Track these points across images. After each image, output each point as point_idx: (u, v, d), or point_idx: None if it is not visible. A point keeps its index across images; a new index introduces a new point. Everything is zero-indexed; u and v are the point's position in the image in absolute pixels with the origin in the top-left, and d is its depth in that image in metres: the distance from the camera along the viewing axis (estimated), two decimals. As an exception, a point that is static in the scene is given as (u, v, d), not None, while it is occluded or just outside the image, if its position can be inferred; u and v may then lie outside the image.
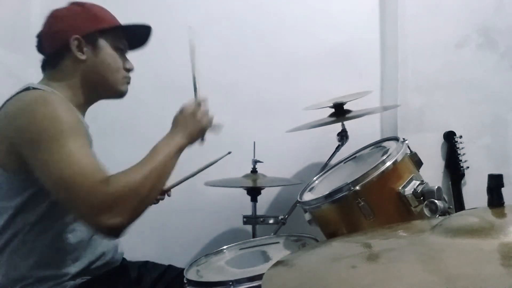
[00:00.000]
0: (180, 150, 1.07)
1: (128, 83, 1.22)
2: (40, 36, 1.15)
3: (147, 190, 0.96)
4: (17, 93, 1.03)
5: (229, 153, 1.49)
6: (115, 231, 0.93)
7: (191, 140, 1.11)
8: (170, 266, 1.37)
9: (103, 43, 1.14)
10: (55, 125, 0.94)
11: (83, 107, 1.17)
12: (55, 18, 1.13)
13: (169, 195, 1.48)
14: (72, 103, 1.10)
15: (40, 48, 1.15)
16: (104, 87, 1.17)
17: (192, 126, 1.11)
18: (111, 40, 1.16)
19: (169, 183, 1.48)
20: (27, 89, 1.04)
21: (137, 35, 1.24)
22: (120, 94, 1.20)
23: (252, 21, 1.98)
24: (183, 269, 1.34)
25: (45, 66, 1.16)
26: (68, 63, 1.12)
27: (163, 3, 1.94)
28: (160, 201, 1.51)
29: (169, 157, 1.04)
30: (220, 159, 1.48)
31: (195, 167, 1.48)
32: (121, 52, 1.19)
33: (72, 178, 0.89)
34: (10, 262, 1.02)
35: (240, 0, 1.99)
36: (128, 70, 1.21)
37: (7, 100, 1.02)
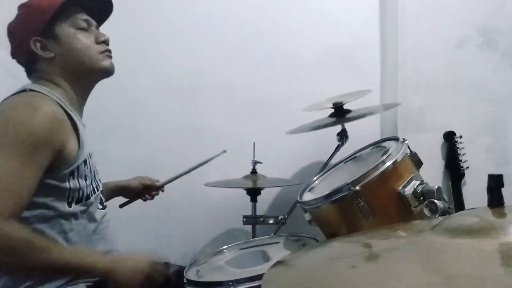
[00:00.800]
0: (95, 275, 1.00)
1: (110, 56, 1.16)
2: (11, 53, 1.14)
3: (21, 262, 0.89)
4: (14, 93, 1.04)
5: (224, 151, 1.48)
6: None
7: (111, 280, 0.99)
8: (166, 263, 1.38)
9: (60, 30, 1.10)
10: (15, 134, 0.93)
11: (80, 101, 1.16)
12: (11, 33, 1.13)
13: (162, 191, 1.49)
14: (69, 101, 1.09)
15: (17, 61, 1.16)
16: (85, 70, 1.13)
17: (126, 279, 0.98)
18: (68, 22, 1.11)
19: (164, 179, 1.49)
20: (24, 90, 1.04)
21: (92, 4, 1.17)
22: (104, 71, 1.15)
23: (252, 21, 1.98)
24: (179, 266, 1.34)
25: (28, 73, 1.15)
26: (43, 64, 1.11)
27: (163, 3, 1.94)
28: (161, 201, 1.51)
29: (80, 270, 0.97)
30: (215, 157, 1.47)
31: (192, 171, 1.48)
32: (85, 29, 1.13)
33: None
34: None
35: (240, 0, 1.99)
36: (103, 42, 1.15)
37: (4, 99, 1.03)
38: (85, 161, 1.08)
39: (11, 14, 1.13)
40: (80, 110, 1.17)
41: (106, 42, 1.16)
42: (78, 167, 1.05)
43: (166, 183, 1.48)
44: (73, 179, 1.04)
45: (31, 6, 1.11)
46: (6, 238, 0.86)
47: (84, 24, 1.13)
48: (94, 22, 1.17)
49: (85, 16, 1.15)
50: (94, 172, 1.15)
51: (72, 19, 1.11)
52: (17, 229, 0.88)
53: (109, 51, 1.16)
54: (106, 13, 1.23)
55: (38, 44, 1.09)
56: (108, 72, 1.16)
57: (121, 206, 1.45)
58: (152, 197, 1.48)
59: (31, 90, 1.04)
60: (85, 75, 1.14)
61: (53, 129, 0.98)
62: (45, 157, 0.96)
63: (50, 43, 1.09)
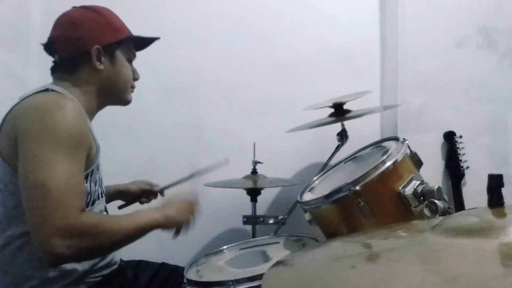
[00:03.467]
0: (155, 227, 1.05)
1: (132, 91, 1.24)
2: (52, 38, 1.13)
3: (109, 243, 0.97)
4: (36, 92, 1.04)
5: (227, 160, 1.48)
6: (56, 260, 0.92)
7: (168, 226, 1.08)
8: (163, 263, 1.38)
9: (119, 54, 1.17)
10: (59, 133, 0.94)
11: (93, 112, 1.19)
12: (72, 24, 1.12)
13: (162, 195, 1.49)
14: (85, 109, 1.11)
15: (50, 50, 1.14)
16: (116, 96, 1.20)
17: (177, 217, 1.10)
18: (125, 51, 1.19)
19: (164, 179, 1.49)
20: (46, 90, 1.05)
21: (143, 44, 1.27)
22: (126, 102, 1.24)
23: (252, 21, 1.98)
24: (176, 266, 1.34)
25: (55, 69, 1.15)
26: (86, 71, 1.13)
27: (163, 4, 1.94)
28: (161, 201, 1.51)
29: (146, 228, 1.02)
30: (216, 166, 1.46)
31: (192, 168, 1.48)
32: (131, 62, 1.22)
33: (53, 190, 0.88)
34: (15, 262, 1.02)
35: (240, 0, 1.99)
36: (136, 79, 1.24)
37: (25, 97, 1.03)
38: (98, 166, 1.10)
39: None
40: (91, 119, 1.18)
41: (137, 79, 1.25)
42: (93, 170, 1.07)
43: (165, 188, 1.48)
44: (86, 182, 1.05)
45: (110, 19, 1.16)
46: (87, 226, 0.92)
47: (133, 58, 1.23)
48: (134, 58, 1.25)
49: (135, 51, 1.24)
50: (101, 178, 1.17)
51: (129, 49, 1.20)
52: (89, 217, 0.96)
53: (134, 86, 1.25)
54: (140, 49, 1.30)
55: (97, 52, 1.12)
56: (127, 104, 1.25)
57: (120, 207, 1.45)
58: (149, 201, 1.49)
59: (53, 90, 1.05)
60: (113, 98, 1.20)
61: (84, 128, 1.02)
62: (83, 156, 1.00)
63: (106, 58, 1.14)
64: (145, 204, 1.49)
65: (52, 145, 0.93)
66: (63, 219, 0.88)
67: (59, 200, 0.89)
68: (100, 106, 1.20)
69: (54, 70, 1.15)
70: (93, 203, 1.09)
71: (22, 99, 1.03)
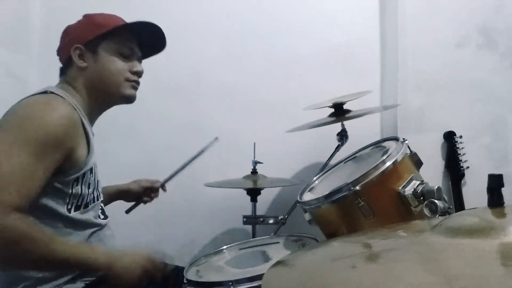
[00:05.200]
0: (95, 269, 0.98)
1: (135, 87, 1.22)
2: (57, 50, 1.20)
3: (27, 259, 0.89)
4: (35, 94, 1.05)
5: (216, 139, 1.48)
6: None
7: (112, 276, 0.99)
8: (163, 263, 1.38)
9: (103, 49, 1.16)
10: (32, 129, 0.94)
11: (94, 113, 1.19)
12: (65, 32, 1.19)
13: (164, 190, 1.50)
14: (84, 109, 1.13)
15: (59, 59, 1.21)
16: (107, 92, 1.18)
17: (123, 272, 0.99)
18: (114, 45, 1.17)
19: (161, 178, 1.49)
20: (45, 92, 1.06)
21: (147, 38, 1.24)
22: (125, 98, 1.20)
23: (252, 21, 1.98)
24: (176, 266, 1.34)
25: (60, 74, 1.20)
26: (73, 71, 1.16)
27: (163, 3, 1.94)
28: (161, 201, 1.51)
29: (82, 264, 0.96)
30: (208, 147, 1.47)
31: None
32: (126, 56, 1.19)
33: None
34: None
35: (240, 0, 1.99)
36: (135, 73, 1.20)
37: (24, 98, 1.04)
38: (91, 169, 1.10)
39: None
40: (92, 121, 1.19)
41: (138, 74, 1.21)
42: (84, 174, 1.06)
43: (165, 182, 1.49)
44: (77, 185, 1.05)
45: (90, 18, 1.18)
46: (8, 230, 0.85)
47: (127, 52, 1.19)
48: (138, 53, 1.23)
49: (132, 45, 1.21)
50: (97, 181, 1.16)
51: (118, 43, 1.18)
52: (20, 221, 0.87)
53: (137, 82, 1.22)
54: (156, 49, 1.30)
55: (77, 52, 1.14)
56: (127, 99, 1.21)
57: (128, 211, 1.46)
58: (152, 199, 1.49)
59: (51, 92, 1.06)
60: (105, 95, 1.19)
61: (66, 130, 1.00)
62: (56, 157, 0.97)
63: (88, 55, 1.15)
64: (147, 203, 1.49)
65: (18, 137, 0.93)
66: None
67: None
68: (99, 104, 1.19)
69: (60, 73, 1.20)
70: (86, 206, 1.09)
71: (22, 100, 1.04)
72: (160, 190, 1.50)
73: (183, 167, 1.46)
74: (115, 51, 1.17)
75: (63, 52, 1.18)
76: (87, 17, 1.19)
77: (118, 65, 1.17)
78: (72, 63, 1.15)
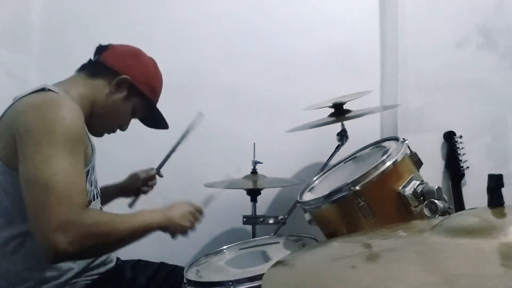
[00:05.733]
0: (156, 228, 1.06)
1: (108, 133, 1.26)
2: (112, 46, 1.21)
3: (111, 241, 0.97)
4: (32, 92, 1.04)
5: (200, 113, 1.49)
6: (57, 256, 0.91)
7: (169, 228, 1.10)
8: (162, 263, 1.39)
9: (134, 100, 1.20)
10: (59, 131, 0.94)
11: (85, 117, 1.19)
12: (136, 55, 1.23)
13: (161, 176, 1.52)
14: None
15: (101, 52, 1.20)
16: (95, 120, 1.17)
17: (180, 220, 1.11)
18: (139, 104, 1.22)
19: (164, 183, 1.49)
20: (42, 89, 1.05)
21: (154, 121, 1.33)
22: (95, 133, 1.22)
23: (252, 21, 1.98)
24: (175, 266, 1.35)
25: (86, 67, 1.19)
26: (101, 84, 1.16)
27: (164, 3, 1.94)
28: (161, 201, 1.51)
29: (148, 228, 1.04)
30: (193, 124, 1.48)
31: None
32: (133, 116, 1.26)
33: (55, 185, 0.89)
34: (11, 264, 1.02)
35: (240, 0, 1.99)
36: (121, 128, 1.27)
37: (20, 98, 1.03)
38: (94, 167, 1.11)
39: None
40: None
41: (121, 129, 1.28)
42: (88, 171, 1.07)
43: (160, 168, 1.50)
44: None
45: (155, 77, 1.26)
46: (91, 223, 0.92)
47: (137, 115, 1.28)
48: (137, 118, 1.30)
49: (142, 114, 1.29)
50: (96, 179, 1.17)
51: (142, 108, 1.25)
52: (94, 213, 0.98)
53: (114, 131, 1.27)
54: (153, 127, 1.38)
55: (122, 81, 1.16)
56: (95, 134, 1.22)
57: (130, 205, 1.47)
58: (151, 187, 1.51)
59: (49, 90, 1.06)
60: (93, 120, 1.17)
61: (83, 127, 1.02)
62: (83, 152, 1.00)
63: (123, 91, 1.17)
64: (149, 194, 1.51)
65: (52, 142, 0.93)
66: (65, 215, 0.88)
67: (61, 196, 0.89)
68: (93, 124, 1.19)
69: (83, 68, 1.19)
70: (89, 204, 1.09)
71: (17, 100, 1.03)
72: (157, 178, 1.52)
73: (173, 149, 1.48)
74: (134, 107, 1.22)
75: (113, 62, 1.17)
76: (155, 68, 1.26)
77: (124, 118, 1.23)
78: (107, 76, 1.15)
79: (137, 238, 1.02)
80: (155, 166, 1.84)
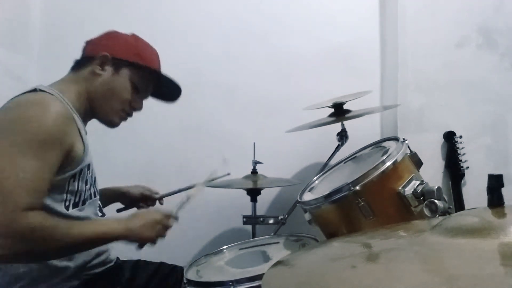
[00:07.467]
0: (116, 239, 1.04)
1: (124, 119, 1.23)
2: (87, 42, 1.22)
3: (52, 248, 0.94)
4: (25, 92, 1.04)
5: (229, 174, 1.48)
6: None
7: (129, 239, 1.06)
8: (162, 263, 1.38)
9: (126, 73, 1.17)
10: (27, 131, 0.94)
11: (85, 117, 1.18)
12: (107, 35, 1.20)
13: (161, 203, 1.48)
14: (77, 107, 1.11)
15: (82, 52, 1.21)
16: (98, 108, 1.17)
17: (141, 230, 1.06)
18: (136, 76, 1.19)
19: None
20: (34, 90, 1.05)
21: (166, 88, 1.28)
22: (109, 123, 1.21)
23: (252, 21, 1.98)
24: (175, 266, 1.35)
25: (72, 68, 1.20)
26: (87, 72, 1.15)
27: (163, 3, 1.94)
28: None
29: (102, 237, 1.01)
30: (219, 177, 1.44)
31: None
32: (137, 91, 1.21)
33: (1, 181, 0.88)
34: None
35: (240, 0, 1.99)
36: (134, 108, 1.23)
37: (14, 97, 1.03)
38: (88, 166, 1.10)
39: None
40: (84, 120, 1.18)
41: (135, 109, 1.23)
42: (81, 170, 1.06)
43: (164, 196, 1.47)
44: (74, 181, 1.05)
45: (137, 43, 1.21)
46: (22, 228, 0.88)
47: (141, 88, 1.21)
48: (148, 93, 1.27)
49: (149, 86, 1.24)
50: (94, 178, 1.16)
51: (141, 77, 1.20)
52: (32, 218, 0.90)
53: (129, 115, 1.23)
54: (167, 99, 1.35)
55: (102, 59, 1.14)
56: (111, 125, 1.22)
57: (118, 211, 1.45)
58: (147, 207, 1.47)
59: (41, 90, 1.05)
60: (94, 109, 1.17)
61: (63, 128, 1.00)
62: (57, 155, 0.98)
63: (109, 68, 1.15)
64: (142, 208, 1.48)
65: (16, 140, 0.93)
66: (3, 215, 0.86)
67: (4, 193, 0.88)
68: (89, 114, 1.19)
69: (71, 69, 1.20)
70: (84, 203, 1.09)
71: (11, 100, 1.03)
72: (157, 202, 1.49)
73: (186, 188, 1.41)
74: (133, 81, 1.19)
75: (90, 50, 1.18)
76: (135, 39, 1.21)
77: (125, 94, 1.18)
78: (89, 64, 1.15)
79: (92, 246, 1.01)
80: (155, 166, 1.84)
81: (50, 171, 0.96)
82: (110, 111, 1.18)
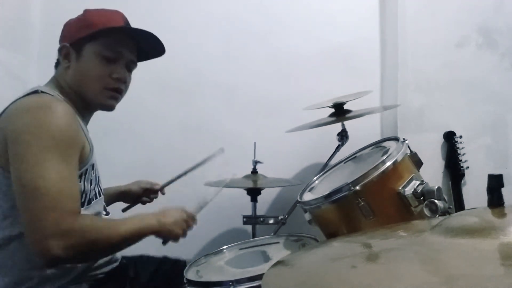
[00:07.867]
0: (150, 233, 1.05)
1: (114, 97, 1.14)
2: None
3: (104, 246, 0.97)
4: (26, 94, 1.03)
5: (222, 149, 1.45)
6: (51, 261, 0.90)
7: (161, 234, 1.08)
8: (164, 257, 1.39)
9: (88, 50, 1.10)
10: (50, 135, 0.93)
11: (85, 114, 1.16)
12: (63, 27, 1.16)
13: (163, 193, 1.50)
14: (74, 107, 1.10)
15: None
16: (85, 97, 1.12)
17: (173, 227, 1.08)
18: (99, 47, 1.10)
19: (164, 179, 1.49)
20: (35, 92, 1.04)
21: (143, 42, 1.18)
22: (102, 107, 1.15)
23: (252, 21, 1.98)
24: (177, 259, 1.35)
25: (55, 68, 1.18)
26: (60, 69, 1.13)
27: (164, 3, 1.94)
28: (161, 201, 1.51)
29: (141, 233, 1.02)
30: (212, 156, 1.44)
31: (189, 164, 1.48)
32: (110, 60, 1.11)
33: (45, 191, 0.88)
34: (14, 263, 1.02)
35: (240, 0, 1.99)
36: (117, 79, 1.12)
37: (15, 101, 1.02)
38: (93, 165, 1.10)
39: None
40: (84, 118, 1.16)
41: (120, 79, 1.13)
42: (87, 170, 1.06)
43: (164, 186, 1.48)
44: (80, 181, 1.04)
45: (85, 16, 1.13)
46: (82, 232, 0.91)
47: (111, 55, 1.11)
48: (128, 58, 1.14)
49: (121, 49, 1.12)
50: (98, 177, 1.16)
51: (104, 45, 1.10)
52: (85, 220, 0.94)
53: (117, 89, 1.13)
54: (155, 54, 1.25)
55: (64, 51, 1.11)
56: (105, 108, 1.15)
57: (124, 210, 1.46)
58: (151, 200, 1.49)
59: (42, 92, 1.04)
60: (84, 99, 1.13)
61: (75, 128, 1.00)
62: (77, 157, 0.99)
63: (73, 55, 1.11)
64: (147, 204, 1.49)
65: (43, 146, 0.92)
66: (57, 222, 0.87)
67: (52, 202, 0.88)
68: (85, 109, 1.15)
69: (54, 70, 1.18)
70: (89, 202, 1.08)
71: (11, 104, 1.02)
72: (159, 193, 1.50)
73: (184, 173, 1.44)
74: (99, 54, 1.09)
75: (59, 48, 1.14)
76: (84, 13, 1.14)
77: (97, 70, 1.10)
78: (59, 61, 1.14)
79: (132, 243, 1.01)
80: (155, 166, 1.84)
81: (75, 173, 0.98)
82: (95, 94, 1.11)
